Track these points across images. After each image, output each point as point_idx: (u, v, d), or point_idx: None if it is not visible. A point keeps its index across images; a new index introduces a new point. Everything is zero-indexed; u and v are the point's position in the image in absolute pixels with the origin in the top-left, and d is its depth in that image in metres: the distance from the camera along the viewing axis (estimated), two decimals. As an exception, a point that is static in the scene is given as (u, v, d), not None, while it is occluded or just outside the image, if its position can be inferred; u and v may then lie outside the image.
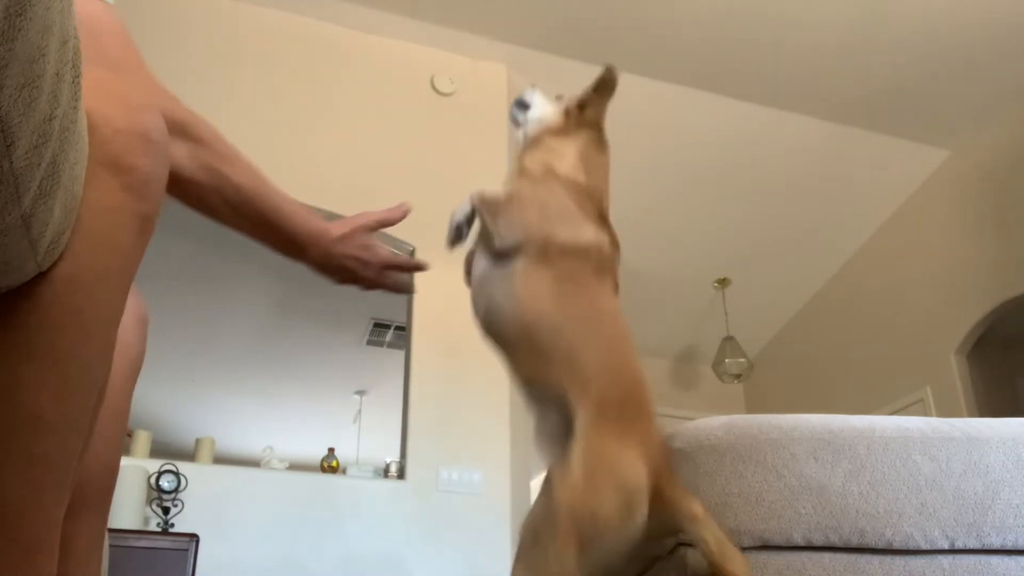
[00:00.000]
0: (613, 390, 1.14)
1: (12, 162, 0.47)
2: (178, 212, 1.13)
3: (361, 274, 1.22)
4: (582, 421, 1.10)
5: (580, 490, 1.03)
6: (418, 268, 1.31)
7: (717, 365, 5.49)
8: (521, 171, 1.43)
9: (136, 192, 0.66)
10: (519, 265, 1.23)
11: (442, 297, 3.60)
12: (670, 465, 1.09)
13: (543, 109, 1.52)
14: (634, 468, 1.04)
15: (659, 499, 1.04)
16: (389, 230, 4.24)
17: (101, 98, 0.66)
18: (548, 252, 1.22)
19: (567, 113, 1.48)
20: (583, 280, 1.22)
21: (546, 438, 1.17)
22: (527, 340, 1.20)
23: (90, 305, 0.63)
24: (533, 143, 1.48)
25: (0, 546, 0.59)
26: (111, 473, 0.95)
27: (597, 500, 1.02)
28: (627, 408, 1.12)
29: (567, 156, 1.41)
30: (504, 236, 1.26)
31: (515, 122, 1.58)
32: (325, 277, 1.21)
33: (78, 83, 0.55)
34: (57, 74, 0.50)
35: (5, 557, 0.59)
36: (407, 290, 1.32)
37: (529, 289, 1.21)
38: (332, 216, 4.12)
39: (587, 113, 1.47)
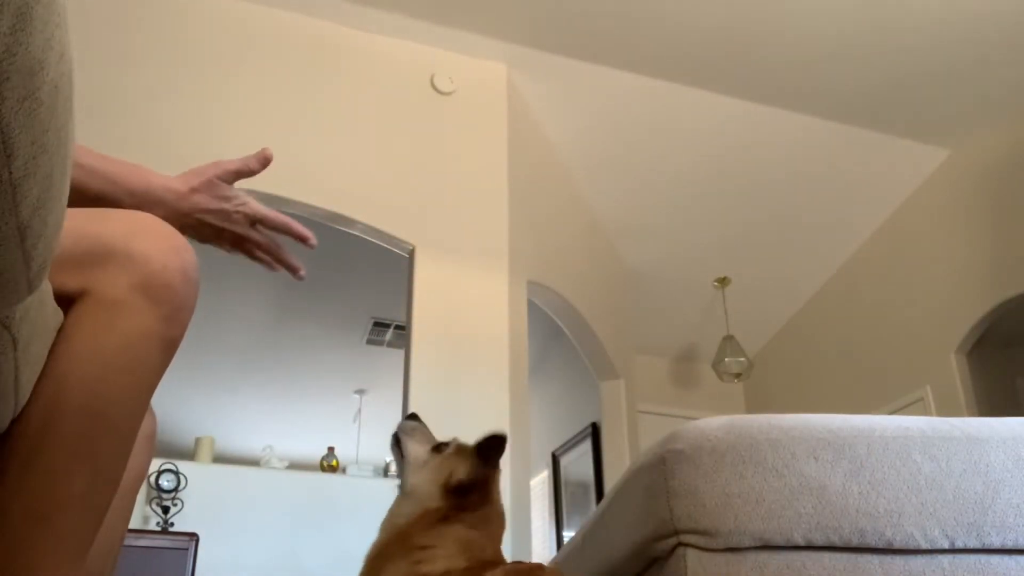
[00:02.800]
0: None
1: (11, 172, 0.49)
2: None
3: (226, 229, 1.08)
4: None
5: None
6: (301, 238, 1.13)
7: (717, 364, 5.49)
8: None
9: (170, 320, 0.77)
10: None
11: (442, 297, 3.60)
12: None
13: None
14: None
15: None
16: (385, 227, 4.20)
17: (150, 232, 0.78)
18: None
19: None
20: None
21: None
22: None
23: (116, 412, 0.74)
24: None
25: None
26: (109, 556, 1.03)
27: None
28: None
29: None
30: None
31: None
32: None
33: (71, 100, 0.57)
34: (56, 87, 0.52)
35: None
36: (291, 268, 1.15)
37: None
38: (334, 216, 4.09)
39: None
